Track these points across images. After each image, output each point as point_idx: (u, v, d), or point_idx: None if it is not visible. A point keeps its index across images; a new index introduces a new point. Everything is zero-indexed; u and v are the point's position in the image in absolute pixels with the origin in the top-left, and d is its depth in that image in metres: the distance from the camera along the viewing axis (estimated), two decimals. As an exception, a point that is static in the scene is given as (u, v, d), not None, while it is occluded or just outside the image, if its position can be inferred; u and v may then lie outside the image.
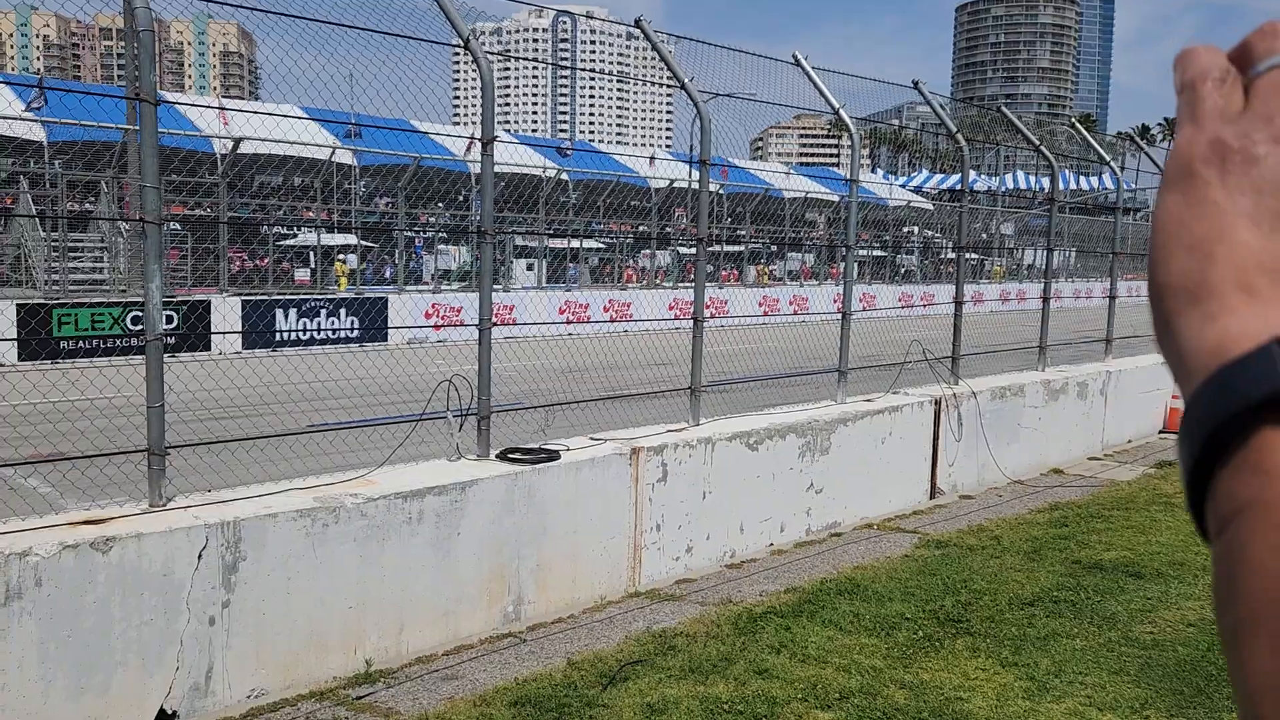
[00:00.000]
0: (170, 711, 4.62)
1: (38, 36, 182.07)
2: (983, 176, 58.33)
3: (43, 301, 18.09)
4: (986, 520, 8.56)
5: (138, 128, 5.11)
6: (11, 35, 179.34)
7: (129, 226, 20.50)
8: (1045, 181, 47.92)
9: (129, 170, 21.07)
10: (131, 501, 5.02)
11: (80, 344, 17.51)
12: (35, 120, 22.16)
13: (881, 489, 8.74)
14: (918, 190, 53.07)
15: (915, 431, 9.13)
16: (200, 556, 4.68)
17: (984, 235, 44.94)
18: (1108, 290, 13.58)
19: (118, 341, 17.80)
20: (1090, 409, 11.68)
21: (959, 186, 11.53)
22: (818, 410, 8.41)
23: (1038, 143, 12.19)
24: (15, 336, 16.61)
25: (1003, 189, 55.79)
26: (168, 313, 16.43)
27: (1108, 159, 14.10)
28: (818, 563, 7.26)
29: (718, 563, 7.15)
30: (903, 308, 28.82)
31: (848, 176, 9.49)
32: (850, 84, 10.05)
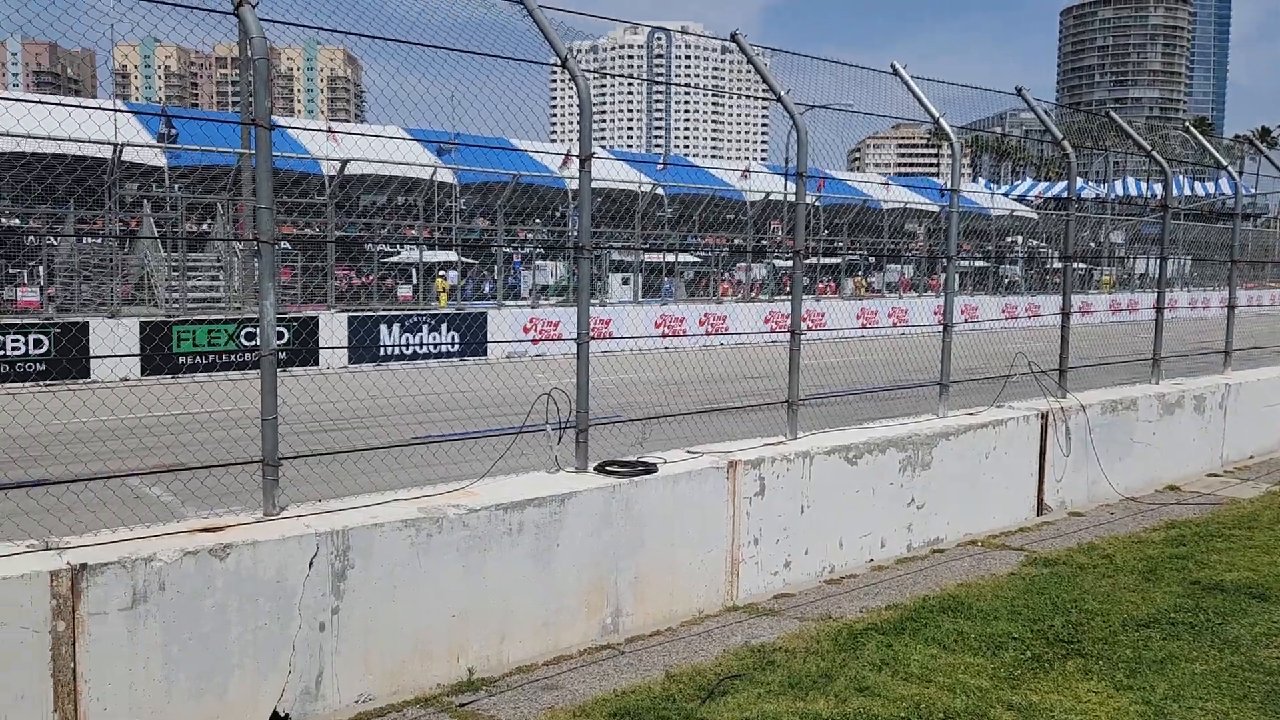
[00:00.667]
0: (283, 714, 4.78)
1: (160, 68, 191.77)
2: (1090, 184, 56.42)
3: (164, 319, 19.00)
4: (1098, 538, 8.26)
5: (253, 152, 5.33)
6: (137, 67, 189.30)
7: (243, 246, 21.41)
8: (1158, 188, 46.13)
9: (243, 192, 22.02)
10: (247, 510, 5.23)
11: (198, 359, 18.33)
12: (158, 146, 23.30)
13: (986, 505, 8.52)
14: (1021, 199, 51.69)
15: (1021, 446, 8.88)
16: (311, 564, 4.84)
17: (1092, 244, 43.49)
18: (1226, 299, 12.98)
19: (232, 357, 18.58)
20: (1208, 423, 11.17)
21: (1065, 194, 11.19)
22: (918, 424, 8.25)
23: (1149, 147, 11.77)
24: (139, 352, 17.48)
25: (1112, 196, 53.92)
26: (279, 329, 17.06)
27: (1224, 163, 13.50)
28: (920, 579, 7.11)
29: (816, 578, 7.07)
30: (1006, 319, 28.07)
31: (948, 186, 9.31)
32: (950, 92, 9.86)
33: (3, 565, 4.19)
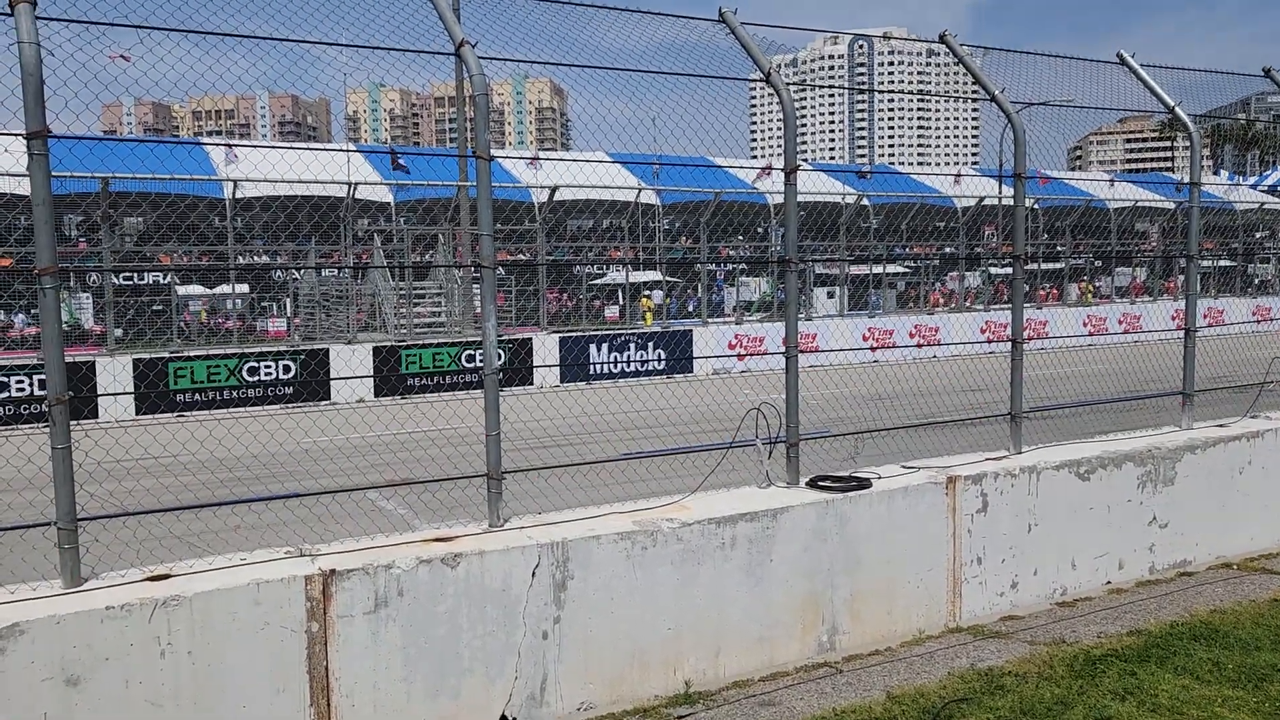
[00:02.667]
0: (511, 718, 4.98)
1: (385, 112, 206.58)
2: (1355, 168, 50.60)
3: (394, 344, 20.35)
4: (1378, 563, 7.37)
5: (473, 183, 5.62)
6: (364, 112, 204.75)
7: (462, 273, 22.63)
8: None
9: (463, 222, 23.31)
10: (473, 522, 5.50)
11: (425, 380, 19.50)
12: (389, 184, 25.03)
13: (1240, 525, 7.78)
14: (1271, 190, 47.10)
15: (1280, 460, 8.06)
16: (534, 574, 5.03)
17: (1359, 236, 39.01)
18: None
19: (455, 378, 19.66)
20: None
21: (1325, 181, 10.12)
22: (1159, 437, 7.65)
23: None
24: (372, 375, 18.80)
25: (1381, 181, 48.16)
26: (497, 350, 17.94)
27: None
28: (1165, 604, 6.57)
29: (1047, 600, 6.67)
30: (1258, 322, 25.65)
31: (1186, 180, 8.62)
32: (1185, 78, 9.15)
33: (265, 569, 4.60)
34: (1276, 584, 6.96)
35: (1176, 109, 7.96)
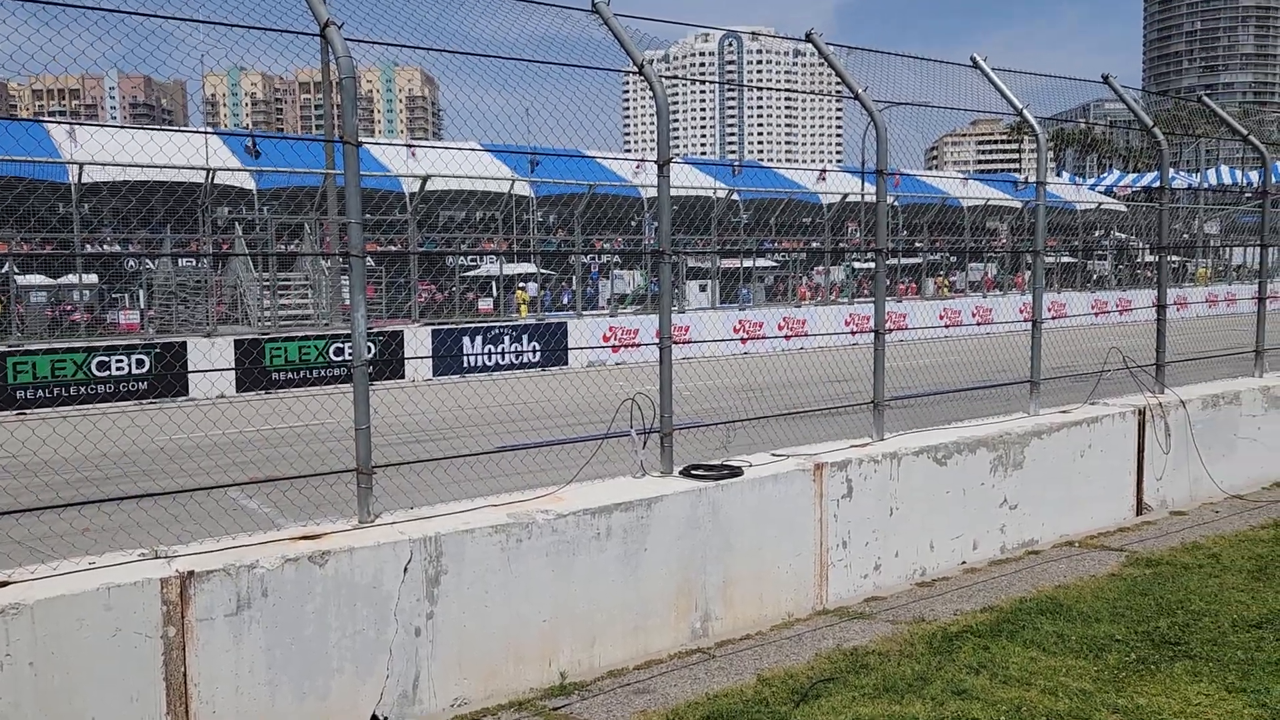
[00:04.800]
0: (382, 717, 4.88)
1: (246, 96, 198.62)
2: (1181, 173, 54.40)
3: (256, 337, 19.59)
4: (1202, 537, 7.96)
5: (339, 171, 5.46)
6: (224, 96, 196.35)
7: (330, 266, 21.98)
8: (1254, 175, 44.32)
9: (329, 212, 22.63)
10: (342, 519, 5.36)
11: (290, 375, 18.86)
12: (248, 170, 24.05)
13: (1082, 505, 8.28)
14: (1108, 191, 50.14)
15: (1117, 444, 8.61)
16: (406, 570, 4.94)
17: (1186, 235, 41.99)
18: (1334, 287, 12.41)
19: (323, 372, 19.08)
20: (1319, 417, 10.66)
21: (1155, 185, 10.85)
22: (1009, 423, 8.07)
23: (1245, 133, 11.31)
24: (233, 368, 18.06)
25: (1205, 185, 51.93)
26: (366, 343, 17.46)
27: (1329, 145, 12.90)
28: (1015, 581, 6.94)
29: (907, 581, 6.95)
30: (1095, 315, 27.30)
31: (1032, 179, 9.09)
32: (1032, 83, 9.64)
33: (117, 573, 4.37)
34: (1113, 560, 7.43)
35: (1024, 111, 8.38)
